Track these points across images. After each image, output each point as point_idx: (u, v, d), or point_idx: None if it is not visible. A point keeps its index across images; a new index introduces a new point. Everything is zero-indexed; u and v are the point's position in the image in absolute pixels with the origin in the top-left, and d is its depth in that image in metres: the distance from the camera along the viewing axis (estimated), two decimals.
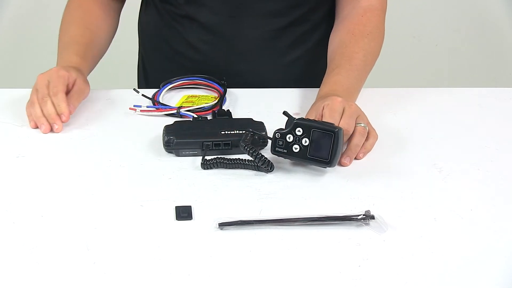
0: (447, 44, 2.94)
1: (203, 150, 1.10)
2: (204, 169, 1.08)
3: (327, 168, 1.07)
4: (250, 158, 1.07)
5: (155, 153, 1.12)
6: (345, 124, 1.09)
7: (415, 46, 2.93)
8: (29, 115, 1.19)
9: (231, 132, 1.13)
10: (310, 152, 1.06)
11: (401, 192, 1.04)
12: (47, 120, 1.17)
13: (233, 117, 1.22)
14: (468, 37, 2.93)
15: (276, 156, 1.09)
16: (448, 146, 1.18)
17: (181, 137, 1.11)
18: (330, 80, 1.24)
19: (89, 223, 0.95)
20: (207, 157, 1.09)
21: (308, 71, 1.45)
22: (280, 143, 1.07)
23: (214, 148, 1.10)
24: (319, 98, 1.19)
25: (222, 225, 0.94)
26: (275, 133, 1.08)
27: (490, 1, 2.85)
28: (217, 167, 1.08)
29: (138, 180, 1.05)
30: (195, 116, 1.21)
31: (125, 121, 1.22)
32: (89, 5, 1.38)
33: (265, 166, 1.06)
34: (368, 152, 1.13)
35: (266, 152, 1.09)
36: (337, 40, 1.32)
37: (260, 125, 1.15)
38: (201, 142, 1.11)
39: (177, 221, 0.96)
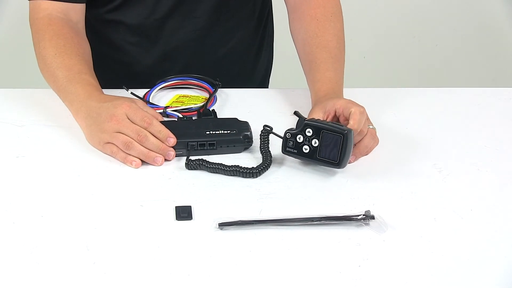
0: (447, 44, 2.94)
1: (188, 150, 1.10)
2: (189, 169, 1.07)
3: (337, 169, 1.07)
4: (232, 164, 1.06)
5: None
6: (363, 126, 1.09)
7: (415, 46, 2.93)
8: (125, 158, 1.08)
9: (216, 132, 1.12)
10: (320, 153, 1.06)
11: (401, 192, 1.04)
12: (157, 153, 1.09)
13: (221, 116, 1.22)
14: (468, 37, 2.93)
15: (271, 156, 1.09)
16: (448, 146, 1.18)
17: None
18: (323, 77, 1.24)
19: (89, 223, 0.95)
20: (192, 158, 1.08)
21: (234, 68, 1.46)
22: (291, 143, 1.08)
23: (199, 148, 1.10)
24: (322, 98, 1.18)
25: (222, 225, 0.94)
26: (286, 133, 1.08)
27: (490, 1, 2.85)
28: (200, 168, 1.07)
29: (138, 180, 1.05)
30: (181, 116, 1.21)
31: None
32: (66, 32, 1.26)
33: (265, 166, 1.06)
34: (368, 153, 1.13)
35: (252, 152, 1.11)
36: (303, 29, 1.32)
37: (245, 125, 1.15)
38: (186, 142, 1.10)
39: (177, 221, 0.96)
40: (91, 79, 1.19)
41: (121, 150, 1.09)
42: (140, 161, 1.08)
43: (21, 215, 0.96)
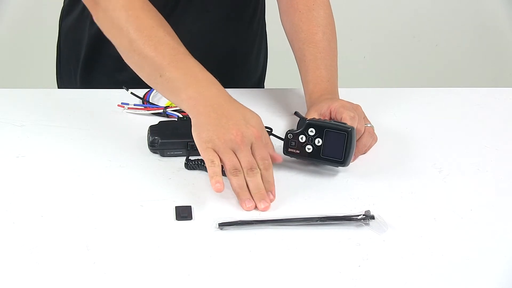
0: (447, 44, 2.94)
1: (188, 150, 1.10)
2: (188, 169, 1.07)
3: (341, 167, 1.07)
4: None
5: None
6: (359, 125, 1.09)
7: (415, 46, 2.93)
8: (215, 176, 0.98)
9: None
10: (324, 152, 1.06)
11: (401, 192, 1.04)
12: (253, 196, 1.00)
13: None
14: (468, 37, 2.93)
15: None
16: (448, 146, 1.18)
17: (166, 137, 1.11)
18: (314, 77, 1.22)
19: (89, 223, 0.94)
20: (192, 158, 1.08)
21: (240, 64, 1.45)
22: (293, 143, 1.07)
23: None
24: (316, 100, 1.18)
25: (222, 225, 0.94)
26: (287, 133, 1.08)
27: (490, 1, 2.86)
28: (199, 168, 1.07)
29: (138, 180, 1.05)
30: (180, 116, 1.21)
31: (124, 121, 1.22)
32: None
33: None
34: (367, 152, 1.13)
35: None
36: (289, 23, 1.30)
37: None
38: (185, 142, 1.10)
39: (177, 221, 0.96)
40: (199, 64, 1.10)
41: (218, 166, 1.00)
42: (223, 188, 0.98)
43: (21, 215, 0.96)
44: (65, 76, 1.50)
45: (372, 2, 2.86)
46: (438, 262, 0.89)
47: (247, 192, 1.00)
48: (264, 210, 0.99)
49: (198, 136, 1.02)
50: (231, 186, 1.01)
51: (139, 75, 1.11)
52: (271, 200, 1.01)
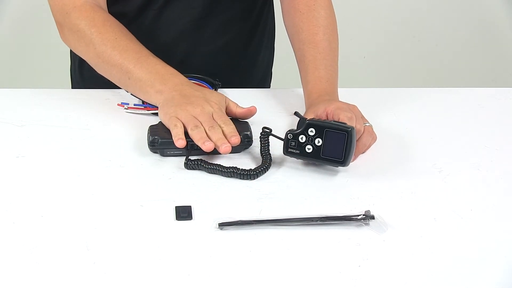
0: (447, 44, 2.94)
1: (188, 150, 1.10)
2: (188, 169, 1.07)
3: (339, 167, 1.07)
4: (231, 165, 1.06)
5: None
6: (358, 125, 1.09)
7: (415, 46, 2.93)
8: (178, 135, 1.07)
9: None
10: (324, 152, 1.06)
11: (401, 192, 1.04)
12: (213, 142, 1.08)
13: None
14: (468, 37, 2.93)
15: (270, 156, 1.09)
16: (448, 146, 1.18)
17: (166, 137, 1.10)
18: (313, 77, 1.23)
19: (89, 223, 0.95)
20: (192, 158, 1.08)
21: (232, 62, 1.45)
22: (293, 143, 1.07)
23: (198, 148, 1.09)
24: (315, 101, 1.18)
25: (222, 225, 0.94)
26: (287, 134, 1.08)
27: (490, 1, 2.86)
28: (199, 168, 1.07)
29: (138, 180, 1.05)
30: None
31: (124, 121, 1.22)
32: (109, 16, 1.27)
33: (263, 168, 1.06)
34: (366, 151, 1.13)
35: (251, 152, 1.10)
36: (290, 24, 1.32)
37: (245, 125, 1.15)
38: (185, 142, 1.10)
39: (177, 221, 0.96)
40: (166, 65, 1.22)
41: (181, 128, 1.08)
42: (185, 143, 1.06)
43: (21, 215, 0.96)
44: (73, 72, 1.52)
45: (372, 2, 2.86)
46: (438, 262, 0.89)
47: (205, 137, 1.07)
48: (225, 151, 1.06)
49: (163, 111, 1.13)
50: (193, 140, 1.07)
51: (112, 81, 1.24)
52: (234, 143, 1.07)
